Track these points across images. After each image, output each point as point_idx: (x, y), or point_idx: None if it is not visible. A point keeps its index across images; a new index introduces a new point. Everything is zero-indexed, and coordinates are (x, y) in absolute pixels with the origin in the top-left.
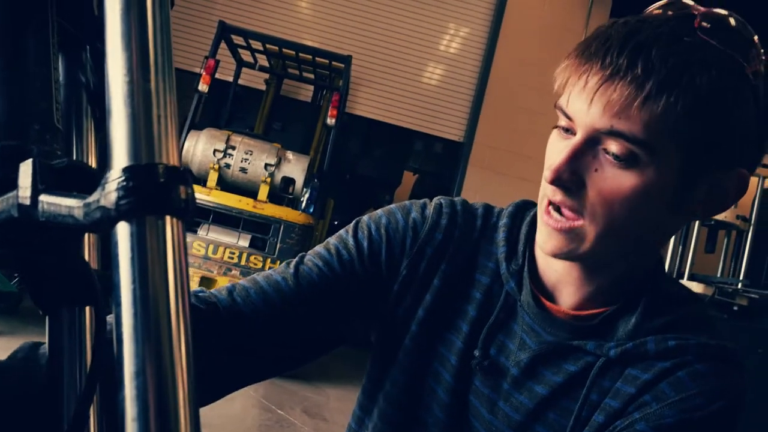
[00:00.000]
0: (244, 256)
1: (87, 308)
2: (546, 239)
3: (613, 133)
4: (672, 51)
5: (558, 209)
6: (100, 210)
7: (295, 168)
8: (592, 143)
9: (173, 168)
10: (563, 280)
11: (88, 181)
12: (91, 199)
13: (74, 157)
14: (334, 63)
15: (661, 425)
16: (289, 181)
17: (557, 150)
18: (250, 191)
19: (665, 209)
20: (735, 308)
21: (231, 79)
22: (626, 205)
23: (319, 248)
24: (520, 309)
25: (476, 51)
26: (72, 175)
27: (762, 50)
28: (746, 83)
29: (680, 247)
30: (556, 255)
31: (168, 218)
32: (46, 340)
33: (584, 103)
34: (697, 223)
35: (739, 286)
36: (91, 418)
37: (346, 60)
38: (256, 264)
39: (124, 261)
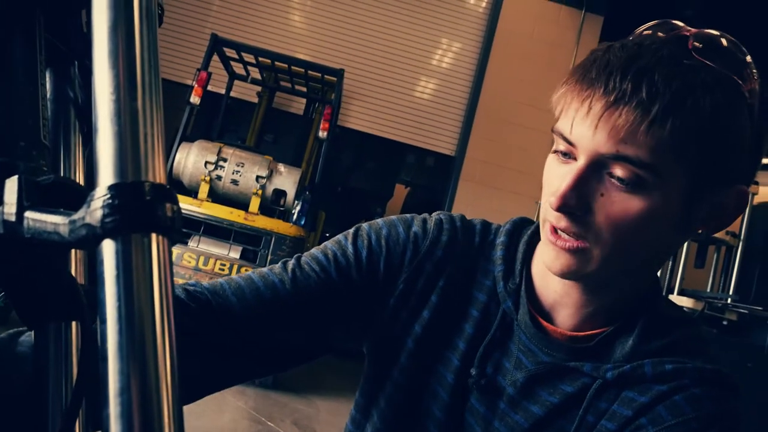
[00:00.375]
0: (235, 267)
1: (73, 323)
2: (553, 259)
3: (619, 158)
4: (674, 74)
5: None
6: (85, 227)
7: (287, 180)
8: (596, 168)
9: (159, 186)
10: (561, 302)
11: (74, 197)
12: (76, 216)
13: (62, 173)
14: (326, 76)
15: None
16: (280, 194)
17: (558, 175)
18: (241, 203)
19: (671, 230)
20: (724, 323)
21: (223, 91)
22: (633, 228)
23: (316, 251)
24: (517, 328)
25: (468, 66)
26: (58, 192)
27: (755, 70)
28: (743, 101)
29: (670, 262)
30: (564, 274)
31: (154, 236)
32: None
33: (588, 128)
34: None
35: (729, 301)
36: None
37: (339, 73)
38: None
39: (110, 278)
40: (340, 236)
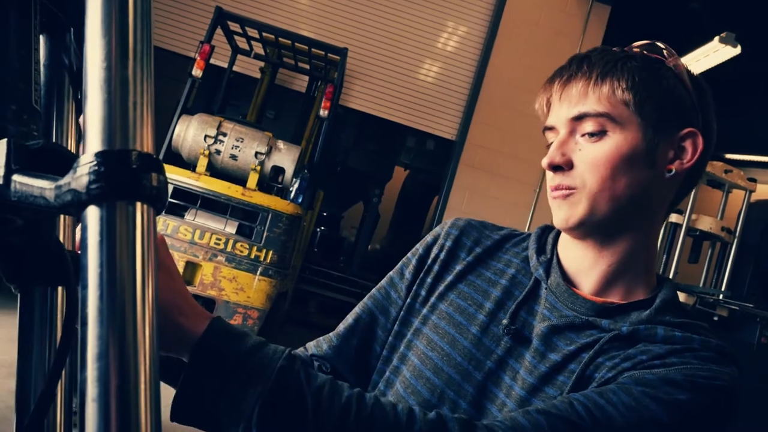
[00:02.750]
0: (231, 242)
1: (59, 288)
2: (557, 211)
3: (581, 116)
4: (606, 53)
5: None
6: (70, 193)
7: (286, 158)
8: (571, 133)
9: (146, 155)
10: (581, 267)
11: (63, 163)
12: (62, 181)
13: (54, 139)
14: (329, 55)
15: (666, 363)
16: (278, 171)
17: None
18: (239, 179)
19: (642, 168)
20: (715, 318)
21: (226, 65)
22: (608, 167)
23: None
24: (546, 292)
25: (473, 50)
26: (47, 157)
27: (674, 52)
28: (668, 68)
29: (665, 255)
30: (568, 221)
31: (139, 204)
32: (19, 319)
33: (557, 108)
34: (682, 232)
35: (721, 297)
36: (59, 395)
37: (342, 52)
38: (242, 251)
39: (93, 244)
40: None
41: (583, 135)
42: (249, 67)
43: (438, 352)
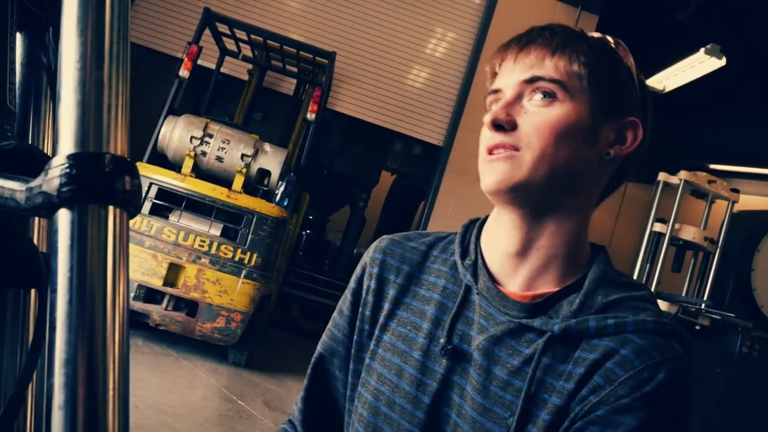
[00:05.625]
0: (215, 244)
1: (32, 290)
2: (489, 174)
3: (534, 79)
4: (566, 29)
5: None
6: (41, 195)
7: (272, 160)
8: (518, 96)
9: (120, 158)
10: (507, 262)
11: (37, 164)
12: (33, 183)
13: (30, 140)
14: (318, 58)
15: (618, 406)
16: (264, 173)
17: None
18: (224, 180)
19: (585, 144)
20: (697, 327)
21: (213, 66)
22: (554, 132)
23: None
24: (478, 297)
25: (461, 57)
26: (20, 158)
27: (628, 49)
28: (619, 58)
29: (648, 264)
30: (499, 183)
31: (111, 208)
32: None
33: (509, 71)
34: (665, 242)
35: (703, 306)
36: (29, 398)
37: (330, 56)
38: (226, 253)
39: (63, 248)
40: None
41: (531, 99)
42: (236, 68)
43: (388, 385)
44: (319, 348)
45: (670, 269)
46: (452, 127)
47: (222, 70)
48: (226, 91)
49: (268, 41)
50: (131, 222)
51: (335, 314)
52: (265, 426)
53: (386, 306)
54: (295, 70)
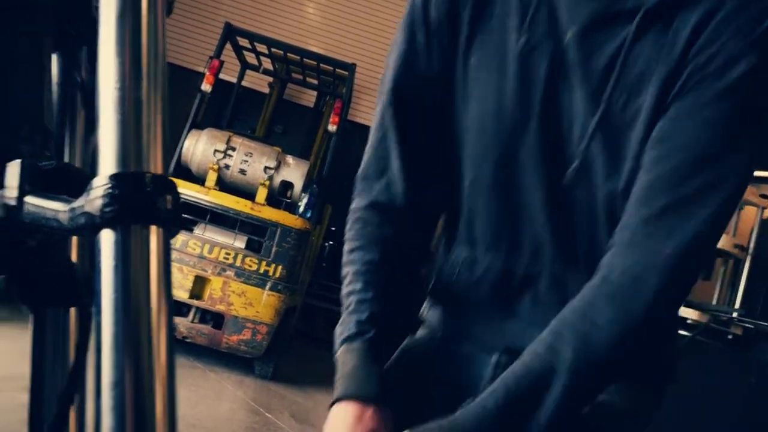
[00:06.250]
0: (240, 257)
1: (72, 309)
2: None
3: None
4: None
5: None
6: (84, 216)
7: (295, 172)
8: None
9: (161, 177)
10: None
11: (77, 184)
12: (76, 204)
13: (66, 158)
14: (338, 70)
15: (726, 59)
16: (287, 185)
17: None
18: (248, 193)
19: None
20: (729, 337)
21: (235, 80)
22: None
23: None
24: None
25: None
26: (60, 178)
27: None
28: None
29: None
30: None
31: (153, 228)
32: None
33: None
34: None
35: (734, 315)
36: (72, 418)
37: (351, 68)
38: (251, 266)
39: (107, 269)
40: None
41: None
42: (257, 81)
43: (490, 105)
44: (390, 95)
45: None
46: None
47: (243, 83)
48: (247, 104)
49: (288, 54)
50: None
51: (398, 52)
52: None
53: (464, 28)
54: (315, 82)
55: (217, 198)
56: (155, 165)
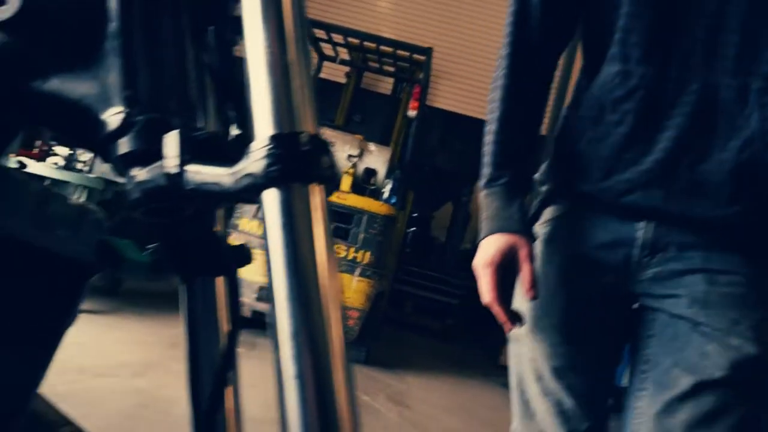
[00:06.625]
0: None
1: (220, 278)
2: None
3: None
4: None
5: None
6: (248, 177)
7: (377, 159)
8: None
9: (315, 136)
10: None
11: (224, 152)
12: (238, 167)
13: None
14: (414, 55)
15: None
16: (371, 173)
17: None
18: None
19: None
20: None
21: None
22: None
23: None
24: None
25: None
26: (211, 146)
27: None
28: None
29: None
30: None
31: (314, 185)
32: (181, 308)
33: None
34: None
35: None
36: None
37: (427, 52)
38: (338, 253)
39: (274, 227)
40: None
41: None
42: (334, 72)
43: None
44: None
45: None
46: (555, 114)
47: (320, 75)
48: (324, 95)
49: (365, 42)
50: (245, 223)
51: None
52: (390, 419)
53: None
54: (392, 69)
55: None
56: (308, 124)
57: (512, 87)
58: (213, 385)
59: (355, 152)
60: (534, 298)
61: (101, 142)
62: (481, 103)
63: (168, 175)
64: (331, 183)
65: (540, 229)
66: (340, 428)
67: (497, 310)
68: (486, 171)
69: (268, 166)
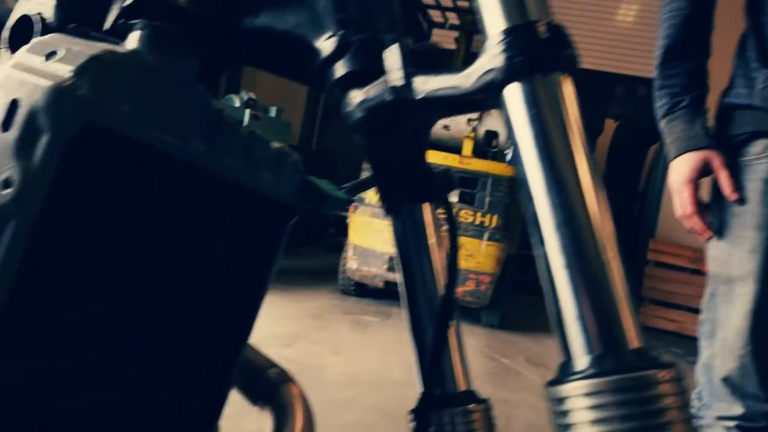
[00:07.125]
0: (454, 211)
1: (425, 205)
2: None
3: None
4: None
5: None
6: (487, 74)
7: (497, 121)
8: None
9: (552, 24)
10: None
11: (442, 62)
12: (473, 68)
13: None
14: None
15: None
16: (492, 135)
17: None
18: (453, 147)
19: None
20: None
21: None
22: None
23: None
24: None
25: None
26: (431, 57)
27: None
28: None
29: None
30: None
31: (557, 74)
32: (393, 239)
33: None
34: None
35: None
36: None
37: None
38: (466, 218)
39: (520, 120)
40: None
41: None
42: (441, 39)
43: None
44: None
45: None
46: None
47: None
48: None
49: (473, 3)
50: (373, 196)
51: None
52: (532, 381)
53: None
54: None
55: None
56: (541, 13)
57: (677, 16)
58: (435, 328)
59: (475, 116)
60: (739, 199)
61: (316, 71)
62: (593, 54)
63: (394, 89)
64: (573, 70)
65: (753, 163)
66: (620, 315)
67: (695, 221)
68: (662, 102)
69: (510, 58)
